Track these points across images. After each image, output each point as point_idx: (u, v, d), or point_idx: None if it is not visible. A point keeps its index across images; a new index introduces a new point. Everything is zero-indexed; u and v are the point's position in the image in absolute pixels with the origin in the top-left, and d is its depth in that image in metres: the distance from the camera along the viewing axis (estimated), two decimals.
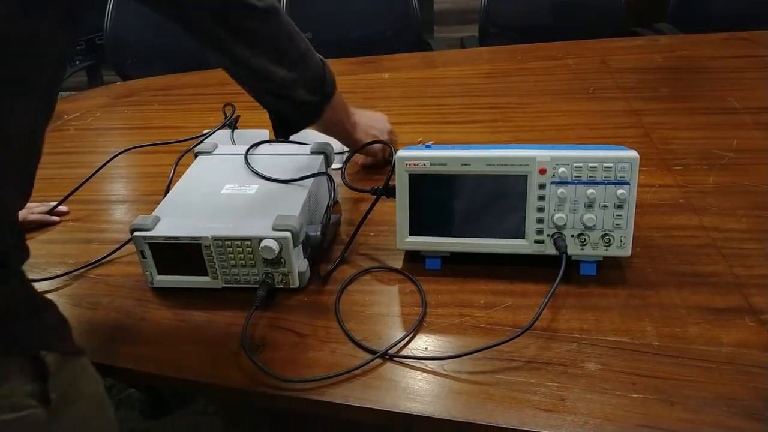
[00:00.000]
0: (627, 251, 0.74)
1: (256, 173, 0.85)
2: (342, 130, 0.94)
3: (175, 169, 0.94)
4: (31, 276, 0.84)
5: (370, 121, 0.99)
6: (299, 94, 0.82)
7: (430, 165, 0.75)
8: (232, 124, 1.05)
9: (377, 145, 0.99)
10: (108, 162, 1.04)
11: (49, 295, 0.81)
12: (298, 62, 0.80)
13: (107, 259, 0.87)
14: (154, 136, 1.27)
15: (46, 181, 1.12)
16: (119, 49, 1.96)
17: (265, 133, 1.07)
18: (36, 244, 0.93)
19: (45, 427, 0.54)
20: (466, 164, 0.74)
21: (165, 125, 1.32)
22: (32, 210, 0.98)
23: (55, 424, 0.55)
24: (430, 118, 1.25)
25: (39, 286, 0.83)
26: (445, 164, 0.75)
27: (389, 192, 0.79)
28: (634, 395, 0.60)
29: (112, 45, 1.94)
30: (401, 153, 0.76)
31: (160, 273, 0.78)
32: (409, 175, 0.76)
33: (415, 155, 0.75)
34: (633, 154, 0.72)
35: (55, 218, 0.98)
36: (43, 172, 1.17)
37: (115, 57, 1.96)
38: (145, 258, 0.77)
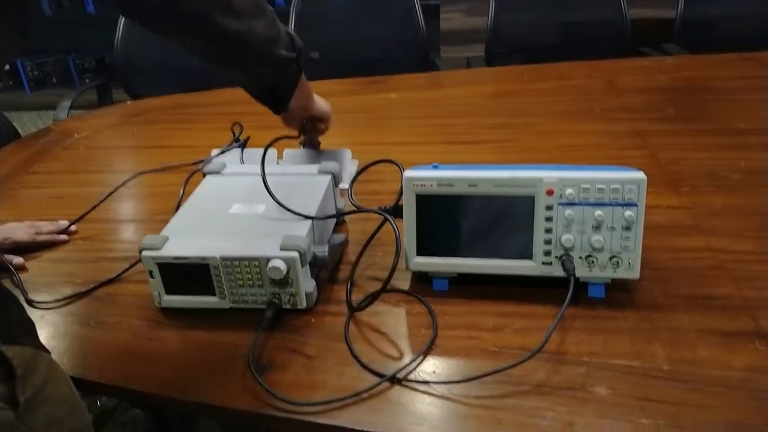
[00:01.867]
0: (635, 273, 0.74)
1: (280, 204, 0.83)
2: (310, 94, 0.97)
3: (184, 189, 0.95)
4: (38, 296, 0.85)
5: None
6: (279, 53, 0.82)
7: (438, 185, 0.75)
8: (242, 144, 1.06)
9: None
10: (123, 185, 1.05)
11: (57, 315, 0.82)
12: (272, 20, 0.81)
13: (115, 278, 0.88)
14: (163, 154, 1.28)
15: (55, 199, 1.13)
16: (129, 68, 1.98)
17: (273, 153, 1.07)
18: (44, 262, 0.94)
19: (13, 430, 0.53)
20: (473, 185, 0.74)
21: (174, 144, 1.32)
22: (41, 229, 0.98)
23: (24, 427, 0.54)
24: (436, 138, 1.25)
25: (47, 307, 0.83)
26: (453, 185, 0.75)
27: (398, 212, 0.79)
28: (644, 421, 0.59)
29: (121, 64, 1.97)
30: (408, 173, 0.76)
31: (168, 293, 0.78)
32: (417, 195, 0.76)
33: (422, 176, 0.76)
34: (640, 175, 0.72)
35: (64, 237, 0.99)
36: (53, 191, 1.19)
37: (124, 76, 1.98)
38: (154, 278, 0.77)
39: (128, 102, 1.70)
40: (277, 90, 0.90)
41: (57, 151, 1.34)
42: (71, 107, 1.81)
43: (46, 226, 0.99)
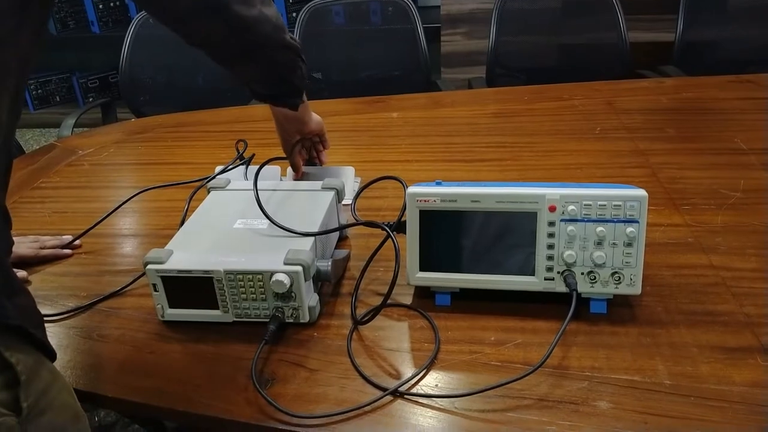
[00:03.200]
0: (637, 289, 0.75)
1: (273, 222, 0.84)
2: (308, 109, 1.02)
3: (189, 204, 0.95)
4: (41, 309, 0.85)
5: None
6: (288, 39, 0.87)
7: (441, 201, 0.76)
8: (246, 161, 1.07)
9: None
10: (128, 200, 1.05)
11: (60, 327, 0.82)
12: (276, 9, 0.86)
13: (119, 291, 0.88)
14: (166, 171, 1.29)
15: (59, 215, 1.14)
16: (133, 87, 2.00)
17: (277, 170, 1.08)
18: (48, 276, 0.94)
19: None
20: (476, 201, 0.75)
21: (177, 161, 1.33)
22: (45, 244, 0.99)
23: None
24: (438, 156, 1.26)
25: (50, 320, 0.83)
26: (456, 201, 0.76)
27: (401, 228, 0.80)
28: None
29: (126, 83, 1.99)
30: (412, 189, 0.77)
31: (171, 306, 0.79)
32: (420, 211, 0.77)
33: (426, 192, 0.76)
34: (642, 192, 0.73)
35: (68, 252, 0.99)
36: (56, 206, 1.19)
37: (129, 95, 2.00)
38: (157, 291, 0.77)
39: (132, 120, 1.72)
40: (290, 81, 0.92)
41: (61, 167, 1.35)
42: (75, 125, 1.83)
43: (50, 240, 1.00)
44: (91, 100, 3.84)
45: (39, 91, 3.89)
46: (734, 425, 0.60)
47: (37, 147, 1.56)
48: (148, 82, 2.04)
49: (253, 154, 1.08)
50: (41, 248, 0.98)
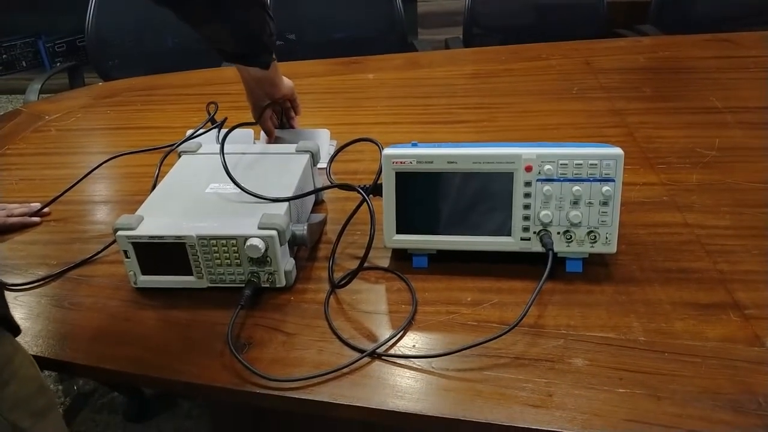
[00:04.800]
0: (612, 248, 0.75)
1: (241, 188, 0.82)
2: (278, 72, 1.00)
3: (159, 169, 0.93)
4: (10, 278, 0.83)
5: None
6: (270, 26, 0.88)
7: (417, 163, 0.75)
8: (218, 124, 1.04)
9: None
10: (99, 166, 1.03)
11: (30, 296, 0.80)
12: None
13: (90, 259, 0.86)
14: (136, 136, 1.26)
15: (27, 182, 1.11)
16: (101, 50, 1.94)
17: (250, 133, 1.06)
18: (16, 245, 0.92)
19: None
20: (452, 162, 0.74)
21: (148, 125, 1.30)
22: (12, 211, 0.96)
23: None
24: (415, 119, 1.25)
25: (20, 288, 0.81)
26: (432, 162, 0.75)
27: (377, 190, 0.79)
28: (621, 390, 0.60)
29: (94, 46, 1.92)
30: (388, 151, 0.76)
31: (144, 273, 0.77)
32: (396, 173, 0.76)
33: (401, 153, 0.75)
34: (618, 151, 0.73)
35: (36, 219, 0.97)
36: (23, 173, 1.16)
37: (97, 58, 1.94)
38: (129, 258, 0.76)
39: (100, 84, 1.67)
40: (259, 39, 0.90)
41: (27, 134, 1.31)
42: (41, 91, 1.77)
43: (18, 208, 0.97)
44: (58, 64, 3.73)
45: (4, 56, 3.76)
46: (707, 379, 0.61)
47: (3, 113, 1.51)
48: (117, 45, 1.98)
49: (225, 118, 1.06)
50: (8, 216, 0.95)
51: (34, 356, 0.64)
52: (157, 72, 1.63)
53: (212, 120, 1.07)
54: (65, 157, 1.20)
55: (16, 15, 3.57)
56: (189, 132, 1.10)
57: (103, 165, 1.04)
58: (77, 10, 1.94)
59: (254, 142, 1.07)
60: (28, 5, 3.55)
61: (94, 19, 1.90)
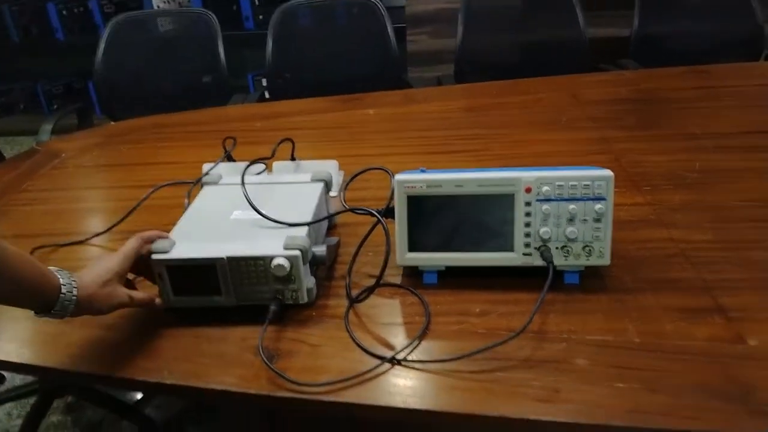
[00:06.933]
0: (606, 260, 0.82)
1: (260, 213, 0.87)
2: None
3: (188, 199, 1.00)
4: None
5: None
6: None
7: (427, 187, 0.82)
8: (227, 154, 1.11)
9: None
10: (145, 198, 1.08)
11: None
12: None
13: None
14: (153, 171, 1.32)
15: (51, 215, 1.16)
16: (110, 91, 2.02)
17: (263, 168, 1.13)
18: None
19: None
20: (459, 185, 0.82)
21: (163, 161, 1.37)
22: (149, 238, 0.83)
23: None
24: (416, 149, 1.33)
25: None
26: (441, 186, 0.82)
27: (389, 213, 0.86)
28: (620, 385, 0.67)
29: (102, 87, 2.00)
30: (400, 176, 0.83)
31: (175, 294, 0.83)
32: (408, 196, 0.83)
33: (413, 178, 0.83)
34: (608, 173, 0.81)
35: (159, 301, 0.83)
36: (46, 208, 1.21)
37: (105, 99, 2.02)
38: (162, 280, 0.82)
39: (111, 123, 1.74)
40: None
41: (46, 171, 1.37)
42: (52, 131, 1.84)
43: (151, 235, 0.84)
44: (56, 107, 3.80)
45: (2, 99, 3.84)
46: (697, 374, 0.67)
47: (19, 153, 1.58)
48: (124, 87, 2.06)
49: (234, 143, 1.13)
50: (147, 242, 0.82)
51: (75, 372, 0.68)
52: (161, 112, 1.70)
53: (229, 156, 1.14)
54: (85, 191, 1.27)
55: (16, 58, 3.66)
56: (206, 166, 1.16)
57: (122, 198, 1.10)
58: (74, 54, 2.01)
59: (267, 175, 1.14)
60: (27, 50, 3.65)
61: (103, 65, 1.98)
